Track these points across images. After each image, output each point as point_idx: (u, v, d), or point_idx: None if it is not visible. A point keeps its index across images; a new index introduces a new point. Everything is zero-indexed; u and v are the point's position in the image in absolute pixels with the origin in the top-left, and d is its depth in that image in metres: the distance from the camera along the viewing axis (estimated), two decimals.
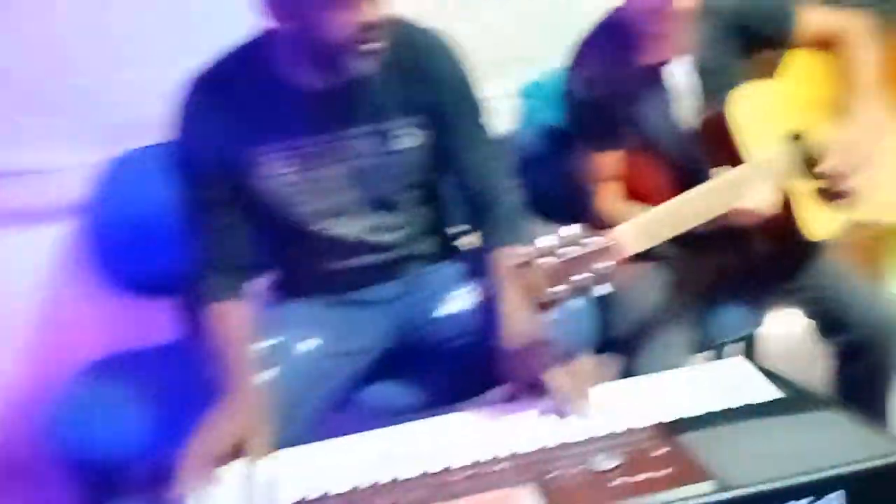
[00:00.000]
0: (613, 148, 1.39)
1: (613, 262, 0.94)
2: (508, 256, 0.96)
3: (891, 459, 0.81)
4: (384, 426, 1.11)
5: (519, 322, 1.15)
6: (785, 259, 1.36)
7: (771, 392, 1.03)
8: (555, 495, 0.83)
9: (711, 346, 1.46)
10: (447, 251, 1.41)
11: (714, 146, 1.28)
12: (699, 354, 1.42)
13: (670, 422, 0.99)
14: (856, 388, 1.30)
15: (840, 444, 0.86)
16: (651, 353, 1.29)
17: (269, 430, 1.09)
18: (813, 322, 1.38)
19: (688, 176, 1.24)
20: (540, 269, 0.91)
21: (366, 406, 1.36)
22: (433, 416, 1.13)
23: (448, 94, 1.25)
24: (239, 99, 1.19)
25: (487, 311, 1.26)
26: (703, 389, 1.06)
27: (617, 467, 0.87)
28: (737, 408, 1.00)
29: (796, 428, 0.92)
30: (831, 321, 1.32)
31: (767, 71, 1.42)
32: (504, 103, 1.73)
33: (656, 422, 0.99)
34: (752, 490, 0.80)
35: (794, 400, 1.00)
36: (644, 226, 1.03)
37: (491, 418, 1.08)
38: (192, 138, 1.22)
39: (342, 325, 1.32)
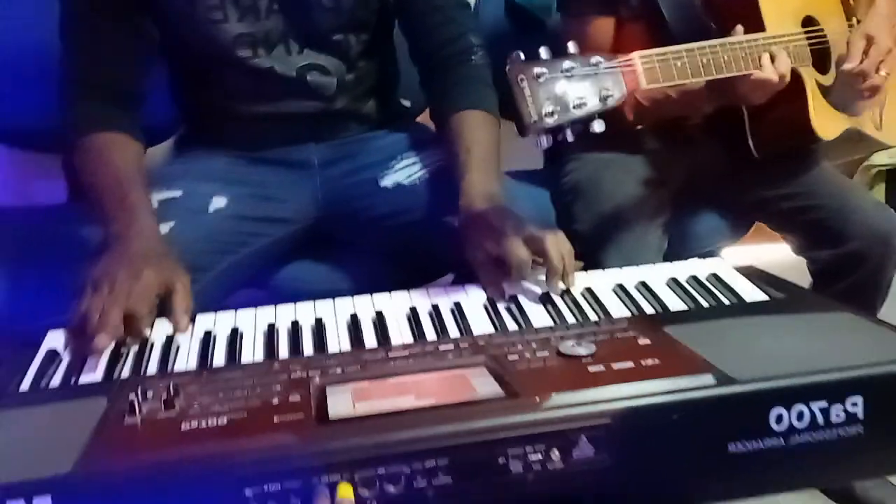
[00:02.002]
0: (607, 13, 1.21)
1: (623, 92, 0.79)
2: (512, 60, 0.78)
3: None
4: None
5: (481, 192, 0.97)
6: (779, 161, 1.22)
7: (759, 293, 0.89)
8: (517, 378, 0.67)
9: (684, 255, 1.32)
10: (392, 117, 1.21)
11: (729, 16, 1.10)
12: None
13: (652, 314, 0.84)
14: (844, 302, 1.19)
15: (855, 345, 0.72)
16: (620, 252, 1.13)
17: (188, 281, 0.89)
18: (797, 236, 1.25)
19: None
20: (539, 81, 0.74)
21: (284, 287, 1.17)
22: None
23: None
24: None
25: (438, 185, 1.08)
26: (684, 285, 0.91)
27: (593, 354, 0.71)
28: (728, 305, 0.86)
29: (801, 327, 0.78)
30: (825, 232, 1.19)
31: None
32: None
33: (635, 313, 0.84)
34: (757, 387, 0.65)
35: (794, 300, 0.86)
36: (658, 59, 0.89)
37: (438, 299, 0.90)
38: None
39: (260, 185, 1.11)
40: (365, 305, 0.90)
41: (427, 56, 1.12)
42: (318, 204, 1.14)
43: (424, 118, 1.30)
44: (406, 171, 1.11)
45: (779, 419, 0.65)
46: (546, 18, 1.56)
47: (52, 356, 0.81)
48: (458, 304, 0.88)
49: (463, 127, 1.04)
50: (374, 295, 0.92)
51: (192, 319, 0.87)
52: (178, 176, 1.09)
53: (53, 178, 1.47)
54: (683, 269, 0.95)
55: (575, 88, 0.79)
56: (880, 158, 2.06)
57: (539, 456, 0.61)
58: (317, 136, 1.13)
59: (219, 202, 1.06)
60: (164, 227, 0.99)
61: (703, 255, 1.36)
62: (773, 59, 1.04)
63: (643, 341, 0.74)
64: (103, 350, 0.79)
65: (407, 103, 1.34)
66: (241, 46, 1.04)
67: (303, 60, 1.07)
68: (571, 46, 0.81)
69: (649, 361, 0.69)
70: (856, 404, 0.66)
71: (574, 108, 0.79)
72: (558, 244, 0.89)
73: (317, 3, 1.04)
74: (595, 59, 0.81)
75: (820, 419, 0.66)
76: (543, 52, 0.80)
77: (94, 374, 0.78)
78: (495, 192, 0.98)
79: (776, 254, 1.42)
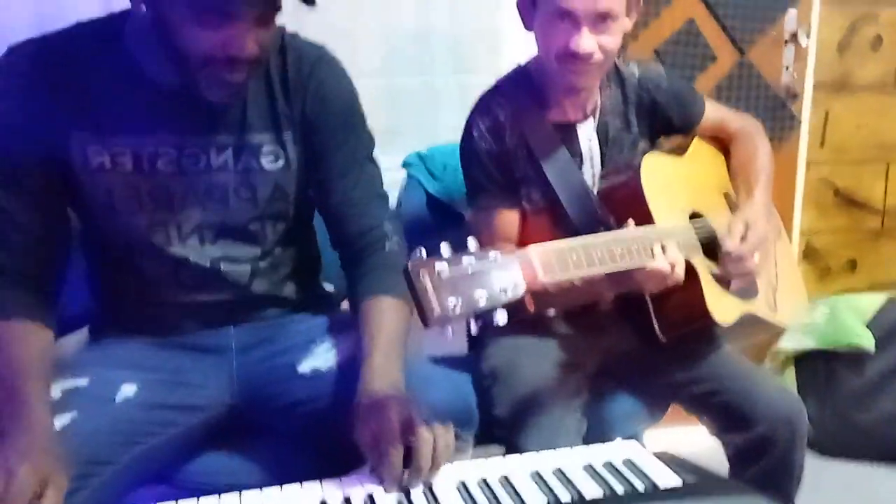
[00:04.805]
0: (511, 206, 1.28)
1: (522, 285, 0.81)
2: (413, 258, 0.79)
3: None
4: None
5: (380, 376, 0.98)
6: (684, 345, 1.27)
7: (674, 478, 0.89)
8: None
9: (604, 437, 1.32)
10: (313, 301, 1.22)
11: (622, 211, 1.19)
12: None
13: (567, 503, 0.83)
14: (760, 487, 1.19)
15: None
16: (539, 436, 1.13)
17: (64, 484, 0.84)
18: (709, 419, 1.27)
19: None
20: (440, 277, 0.76)
21: (193, 481, 1.11)
22: None
23: (329, 113, 1.10)
24: (80, 78, 1.00)
25: (354, 371, 1.08)
26: (599, 472, 0.91)
27: None
28: (641, 492, 0.85)
29: None
30: (733, 416, 1.22)
31: (670, 149, 1.40)
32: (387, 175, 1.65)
33: (552, 501, 0.83)
34: None
35: (706, 485, 0.86)
36: (554, 253, 0.91)
37: (350, 490, 0.87)
38: (11, 114, 1.00)
39: (174, 371, 1.09)
40: (272, 501, 0.86)
41: (344, 245, 1.15)
42: (233, 389, 1.12)
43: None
44: (324, 357, 1.11)
45: None
46: (463, 211, 1.65)
47: None
48: (370, 497, 0.85)
49: (371, 312, 1.07)
50: (285, 487, 0.88)
51: None
52: (87, 363, 1.06)
53: None
54: (599, 454, 0.95)
55: (475, 283, 0.80)
56: (787, 344, 2.14)
57: None
58: (234, 319, 1.13)
59: (128, 390, 1.03)
60: (65, 418, 0.95)
61: (625, 437, 1.38)
62: (663, 250, 1.11)
63: None
64: None
65: (330, 288, 1.36)
66: (156, 235, 1.06)
67: (216, 251, 1.09)
68: (471, 242, 0.82)
69: None
70: None
71: (474, 302, 0.79)
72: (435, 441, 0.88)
73: (234, 195, 1.08)
74: (493, 254, 0.82)
75: None
76: (444, 249, 0.81)
77: None
78: (394, 378, 0.99)
79: (701, 436, 1.43)
